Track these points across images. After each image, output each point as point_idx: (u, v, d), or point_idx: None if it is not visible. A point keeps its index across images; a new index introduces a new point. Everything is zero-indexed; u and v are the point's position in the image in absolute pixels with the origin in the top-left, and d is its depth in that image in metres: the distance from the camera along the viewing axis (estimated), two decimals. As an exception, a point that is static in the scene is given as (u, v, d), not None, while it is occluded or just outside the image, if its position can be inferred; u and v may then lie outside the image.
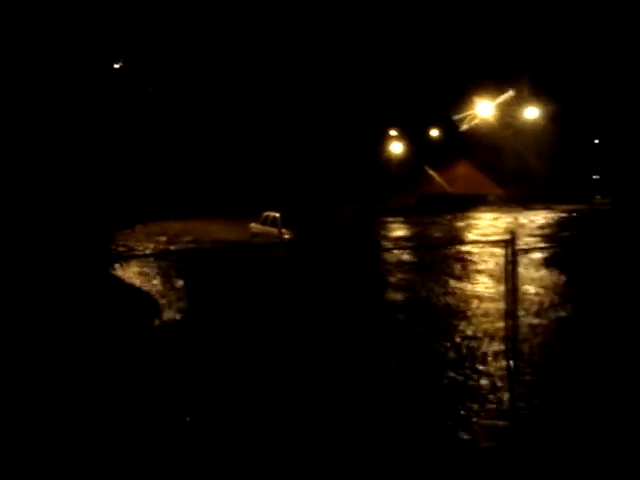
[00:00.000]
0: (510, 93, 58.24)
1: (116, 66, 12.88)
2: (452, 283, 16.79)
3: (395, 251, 23.91)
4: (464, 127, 60.37)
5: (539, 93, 59.61)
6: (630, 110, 56.97)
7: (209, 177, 51.10)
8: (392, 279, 17.91)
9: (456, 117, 59.88)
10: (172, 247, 26.97)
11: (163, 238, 29.59)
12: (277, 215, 26.92)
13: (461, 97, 59.76)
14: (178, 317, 12.89)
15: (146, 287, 15.29)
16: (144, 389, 8.32)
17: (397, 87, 61.71)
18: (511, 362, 9.28)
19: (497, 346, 10.27)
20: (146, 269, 18.51)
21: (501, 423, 7.42)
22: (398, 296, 15.39)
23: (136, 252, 23.65)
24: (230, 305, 14.02)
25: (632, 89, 55.59)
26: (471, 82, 58.26)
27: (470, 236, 32.25)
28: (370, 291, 15.95)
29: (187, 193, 43.86)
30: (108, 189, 13.04)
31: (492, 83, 58.17)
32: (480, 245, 24.44)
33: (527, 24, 58.83)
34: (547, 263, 19.36)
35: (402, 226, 39.87)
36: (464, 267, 19.70)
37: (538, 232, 31.76)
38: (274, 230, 26.38)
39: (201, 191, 47.35)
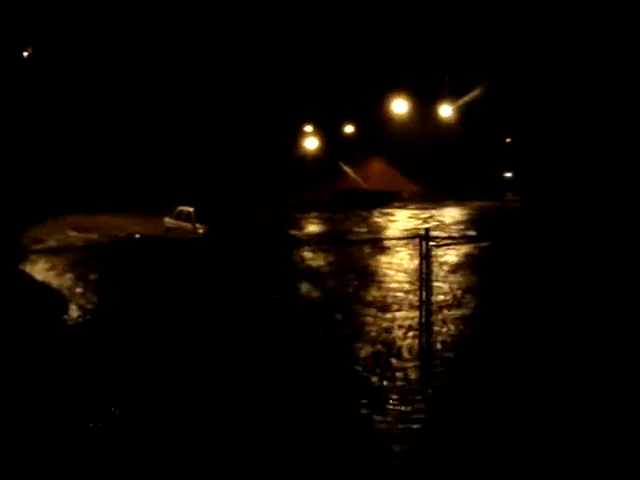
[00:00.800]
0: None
1: (25, 54, 12.51)
2: (367, 278, 17.03)
3: (307, 247, 24.04)
4: None
5: (453, 92, 61.02)
6: (538, 111, 58.82)
7: (122, 170, 50.08)
8: (306, 274, 18.01)
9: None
10: (84, 242, 26.37)
11: (75, 233, 28.84)
12: (191, 210, 26.73)
13: (376, 93, 60.54)
14: (88, 313, 12.66)
15: (56, 283, 14.97)
16: (48, 385, 8.19)
17: (312, 83, 61.95)
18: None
19: (410, 338, 10.51)
20: (57, 265, 18.08)
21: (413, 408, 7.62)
22: (311, 290, 15.50)
23: (48, 247, 23.02)
24: (141, 301, 13.85)
25: (541, 91, 57.42)
26: (387, 78, 59.10)
27: (386, 232, 32.68)
28: (282, 286, 16.00)
29: (100, 186, 42.89)
30: (15, 181, 12.69)
31: (408, 80, 59.16)
32: (395, 241, 24.83)
33: (443, 25, 59.98)
34: (460, 258, 19.87)
35: (315, 221, 40.08)
36: (379, 262, 20.00)
37: (451, 227, 32.48)
38: (188, 225, 26.19)
39: (114, 184, 46.36)
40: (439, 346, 10.17)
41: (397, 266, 18.99)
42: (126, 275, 17.15)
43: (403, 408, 7.84)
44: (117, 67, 52.13)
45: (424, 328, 10.05)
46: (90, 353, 9.86)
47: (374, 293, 15.05)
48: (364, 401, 8.01)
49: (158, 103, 55.12)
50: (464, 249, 21.62)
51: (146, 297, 14.24)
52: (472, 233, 28.79)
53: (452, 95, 61.27)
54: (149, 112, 54.65)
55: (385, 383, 8.71)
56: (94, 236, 28.29)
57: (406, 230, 31.51)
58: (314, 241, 27.99)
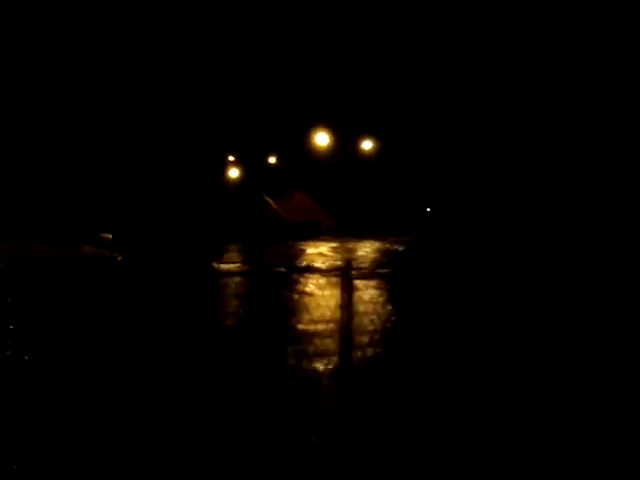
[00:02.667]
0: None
1: None
2: (289, 307, 17.15)
3: (228, 277, 24.02)
4: None
5: (375, 128, 62.33)
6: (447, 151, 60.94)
7: (36, 197, 49.19)
8: (225, 305, 17.99)
9: None
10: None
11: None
12: (109, 237, 26.52)
13: (300, 126, 61.32)
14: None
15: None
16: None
17: (236, 113, 62.25)
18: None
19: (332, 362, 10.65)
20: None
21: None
22: (228, 322, 15.49)
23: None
24: (56, 331, 13.61)
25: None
26: (310, 112, 59.99)
27: (304, 263, 32.81)
28: (200, 316, 15.95)
29: (13, 214, 41.88)
30: None
31: (330, 115, 60.17)
32: (319, 273, 25.07)
33: (364, 62, 61.49)
34: (377, 288, 20.23)
35: (237, 251, 40.04)
36: (301, 293, 20.15)
37: (369, 261, 32.97)
38: (106, 252, 25.95)
39: (28, 212, 45.40)
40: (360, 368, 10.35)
41: (319, 298, 19.15)
42: (39, 302, 16.80)
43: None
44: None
45: (344, 353, 10.24)
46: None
47: (295, 324, 15.14)
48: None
49: (77, 129, 54.53)
50: (384, 282, 22.05)
51: (58, 326, 13.99)
52: (386, 270, 29.26)
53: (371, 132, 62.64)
54: (71, 139, 54.03)
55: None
56: (9, 262, 27.54)
57: (327, 261, 31.81)
58: (232, 271, 27.86)
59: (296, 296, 19.58)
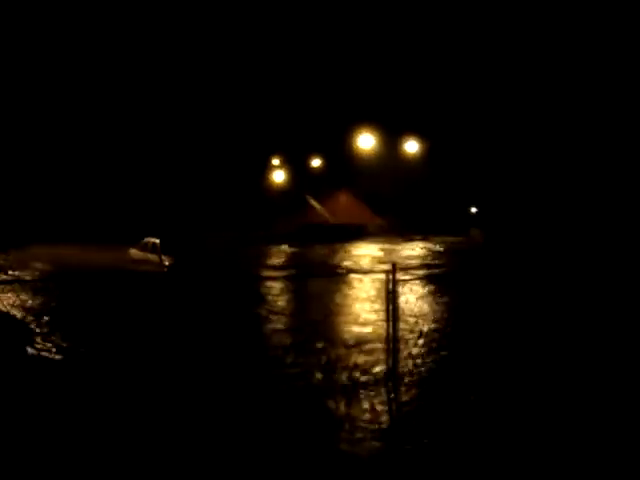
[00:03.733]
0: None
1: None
2: (336, 310, 17.19)
3: (275, 280, 24.12)
4: None
5: (419, 127, 61.95)
6: (500, 150, 60.13)
7: (88, 202, 50.04)
8: (274, 307, 18.08)
9: None
10: (49, 273, 26.12)
11: (39, 264, 28.50)
12: (157, 241, 26.80)
13: (343, 127, 61.28)
14: (53, 345, 12.63)
15: (21, 315, 14.89)
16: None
17: (281, 116, 62.51)
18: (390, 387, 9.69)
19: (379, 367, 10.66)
20: (22, 296, 17.98)
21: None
22: (279, 324, 15.57)
23: (12, 278, 22.87)
24: (109, 333, 13.83)
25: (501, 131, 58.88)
26: (354, 112, 59.93)
27: (352, 265, 32.78)
28: (251, 319, 16.07)
29: (66, 218, 42.75)
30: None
31: (375, 115, 60.00)
32: (362, 275, 25.03)
33: (410, 62, 61.20)
34: (425, 292, 20.14)
35: (282, 255, 40.19)
36: (348, 295, 20.18)
37: (417, 262, 32.80)
38: (154, 257, 26.24)
39: (80, 216, 46.24)
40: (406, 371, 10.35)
41: (364, 300, 19.16)
42: (92, 306, 17.11)
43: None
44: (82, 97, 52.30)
45: (391, 359, 10.25)
46: (51, 385, 9.85)
47: (341, 328, 15.16)
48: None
49: (126, 135, 55.21)
50: (428, 283, 21.92)
51: (111, 329, 14.23)
52: (436, 270, 29.10)
53: (416, 130, 62.22)
54: (118, 144, 54.70)
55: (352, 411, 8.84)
56: (58, 267, 28.03)
57: (373, 263, 31.77)
58: (279, 275, 28.02)
59: (340, 299, 19.62)
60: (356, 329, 14.57)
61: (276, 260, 35.91)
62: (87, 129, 52.68)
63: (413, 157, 63.31)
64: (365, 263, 33.67)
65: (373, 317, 15.63)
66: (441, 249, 44.77)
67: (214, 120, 60.34)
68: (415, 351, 12.26)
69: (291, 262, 34.89)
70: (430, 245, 48.04)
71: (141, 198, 53.64)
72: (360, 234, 58.24)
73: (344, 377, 10.57)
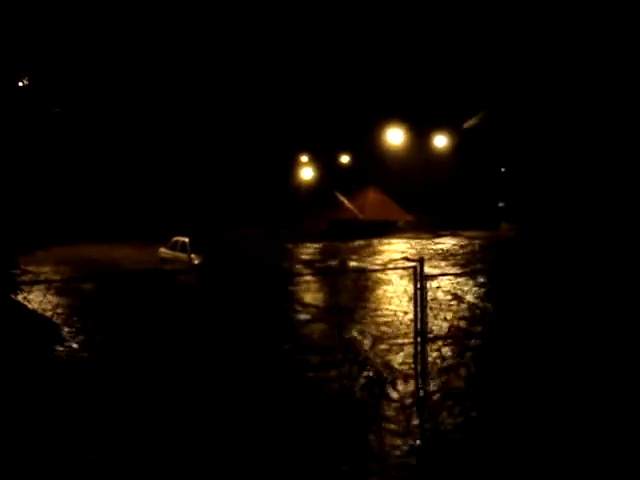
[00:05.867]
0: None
1: (21, 84, 12.61)
2: (366, 306, 17.12)
3: (308, 277, 24.11)
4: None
5: (447, 122, 61.40)
6: (532, 140, 59.28)
7: (115, 200, 50.36)
8: (302, 306, 18.07)
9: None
10: (77, 273, 26.25)
11: (67, 264, 28.66)
12: (186, 240, 26.73)
13: (371, 123, 61.01)
14: (79, 345, 12.68)
15: (50, 314, 14.97)
16: (34, 415, 8.18)
17: (308, 113, 62.43)
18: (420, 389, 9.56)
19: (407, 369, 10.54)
20: (51, 295, 18.07)
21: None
22: (307, 315, 15.54)
23: (39, 278, 23.00)
24: (138, 334, 13.87)
25: (531, 119, 57.96)
26: (382, 108, 59.61)
27: (382, 262, 32.68)
28: (283, 317, 16.05)
29: (93, 217, 43.05)
30: (6, 212, 12.78)
31: (403, 110, 59.59)
32: (390, 270, 24.88)
33: (438, 55, 60.55)
34: (454, 288, 19.94)
35: (310, 251, 40.16)
36: (376, 291, 20.09)
37: (446, 257, 32.57)
38: (183, 255, 26.17)
39: (107, 215, 46.56)
40: (434, 372, 10.21)
41: (392, 296, 19.02)
42: (119, 306, 17.16)
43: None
44: (108, 92, 52.48)
45: (419, 356, 10.11)
46: (78, 384, 9.86)
47: (371, 324, 15.08)
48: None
49: (153, 131, 55.45)
50: (459, 279, 21.69)
51: (140, 329, 14.26)
52: (466, 268, 28.76)
53: (447, 125, 61.68)
54: (144, 140, 54.95)
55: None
56: (90, 266, 28.22)
57: (402, 259, 31.62)
58: (309, 272, 28.01)
59: (371, 294, 19.54)
60: (383, 326, 14.47)
61: (305, 256, 35.89)
62: (112, 125, 52.91)
63: (442, 152, 62.82)
64: (393, 258, 33.51)
65: (400, 313, 15.49)
66: (471, 243, 44.41)
67: (243, 117, 60.44)
68: (444, 351, 12.12)
69: (320, 258, 34.84)
70: (459, 240, 47.69)
71: (169, 196, 53.90)
72: (389, 230, 57.92)
73: (370, 374, 10.49)
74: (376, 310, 16.86)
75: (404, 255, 35.15)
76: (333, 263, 32.12)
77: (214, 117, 59.31)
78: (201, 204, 54.83)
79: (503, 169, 67.01)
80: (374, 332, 13.80)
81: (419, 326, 9.98)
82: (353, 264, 31.38)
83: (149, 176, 54.60)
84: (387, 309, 16.77)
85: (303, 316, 16.20)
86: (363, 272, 26.39)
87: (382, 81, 62.15)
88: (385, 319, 15.37)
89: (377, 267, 29.88)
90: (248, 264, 24.66)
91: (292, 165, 66.95)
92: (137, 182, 53.24)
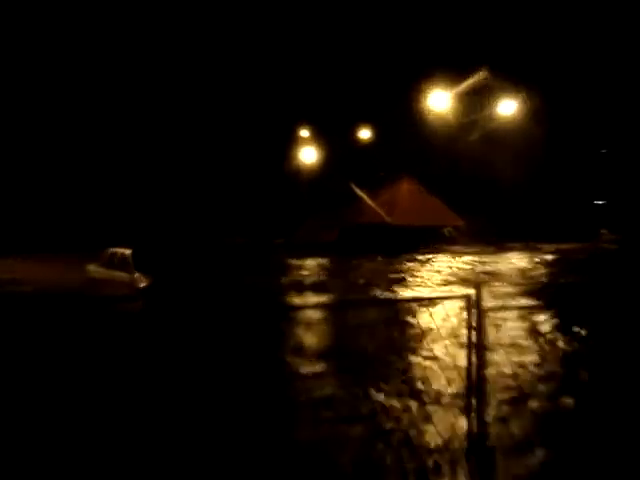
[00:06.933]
0: (481, 76, 59.35)
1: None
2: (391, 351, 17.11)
3: (304, 310, 24.08)
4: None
5: (517, 82, 60.92)
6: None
7: (26, 199, 51.09)
8: (301, 348, 18.04)
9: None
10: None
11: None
12: (127, 253, 26.62)
13: (402, 87, 60.76)
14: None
15: None
16: None
17: (312, 71, 62.47)
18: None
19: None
20: None
21: None
22: (309, 369, 15.53)
23: None
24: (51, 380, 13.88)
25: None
26: (415, 68, 59.48)
27: (420, 288, 32.56)
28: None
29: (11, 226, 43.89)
30: None
31: (444, 70, 59.20)
32: (430, 300, 24.78)
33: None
34: (528, 326, 19.88)
35: (314, 272, 40.13)
36: (410, 330, 20.08)
37: (514, 283, 32.48)
38: (123, 275, 26.04)
39: (20, 220, 47.26)
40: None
41: (436, 338, 18.93)
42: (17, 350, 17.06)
43: None
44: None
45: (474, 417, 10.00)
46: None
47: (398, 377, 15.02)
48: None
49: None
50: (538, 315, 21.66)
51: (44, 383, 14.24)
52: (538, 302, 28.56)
53: (513, 85, 61.20)
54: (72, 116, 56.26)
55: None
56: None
57: (448, 285, 31.57)
58: (310, 304, 28.01)
59: (398, 333, 19.51)
60: (419, 383, 14.42)
61: (307, 280, 35.84)
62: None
63: (510, 124, 62.16)
64: (437, 282, 33.42)
65: (447, 360, 15.39)
66: (554, 260, 44.33)
67: (213, 73, 60.86)
68: (505, 409, 12.04)
69: (327, 281, 34.79)
70: (537, 256, 47.51)
71: (105, 188, 54.16)
72: (430, 240, 57.83)
73: (405, 455, 10.40)
74: (411, 358, 16.82)
75: (451, 278, 35.10)
76: (343, 288, 32.10)
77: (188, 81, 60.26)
78: (153, 202, 55.04)
79: (604, 150, 66.77)
80: (410, 392, 13.75)
81: (474, 378, 9.80)
82: (377, 292, 31.28)
83: (78, 161, 55.19)
84: (427, 356, 16.72)
85: (305, 369, 16.13)
86: (391, 303, 26.31)
87: (415, 25, 62.19)
88: (424, 372, 15.31)
89: (412, 296, 29.77)
90: (219, 287, 24.60)
91: (288, 143, 66.54)
92: (65, 178, 54.00)
